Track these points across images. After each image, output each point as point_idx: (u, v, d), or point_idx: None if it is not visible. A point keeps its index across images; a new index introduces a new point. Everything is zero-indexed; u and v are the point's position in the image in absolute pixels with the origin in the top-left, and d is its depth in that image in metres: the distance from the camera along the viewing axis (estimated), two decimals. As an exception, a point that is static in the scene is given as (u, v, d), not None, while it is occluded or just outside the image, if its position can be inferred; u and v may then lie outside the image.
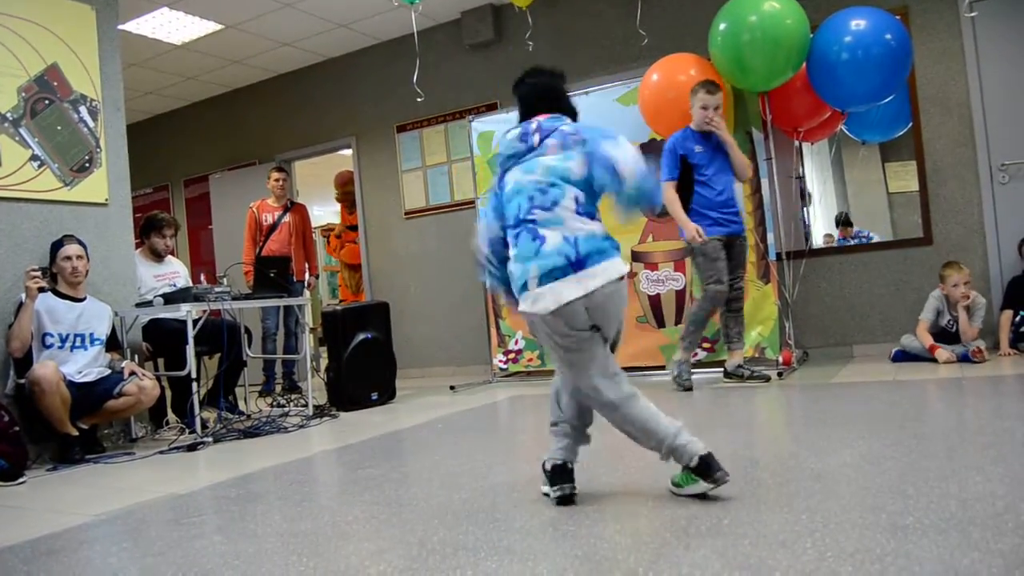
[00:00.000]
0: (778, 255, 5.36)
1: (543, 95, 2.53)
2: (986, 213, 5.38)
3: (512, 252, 2.35)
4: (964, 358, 4.77)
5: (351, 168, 8.03)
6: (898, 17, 4.96)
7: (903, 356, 5.11)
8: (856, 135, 5.83)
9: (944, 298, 5.03)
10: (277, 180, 6.79)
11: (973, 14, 4.99)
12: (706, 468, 2.20)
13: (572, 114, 2.53)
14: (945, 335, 4.98)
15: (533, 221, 2.29)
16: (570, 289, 2.22)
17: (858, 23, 4.74)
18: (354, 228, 8.14)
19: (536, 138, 2.38)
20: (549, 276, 2.23)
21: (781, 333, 5.28)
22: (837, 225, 6.25)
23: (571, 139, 2.37)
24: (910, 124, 5.60)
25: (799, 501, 2.17)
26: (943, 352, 4.84)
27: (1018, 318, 4.99)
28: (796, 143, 5.66)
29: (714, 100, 4.69)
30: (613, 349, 2.40)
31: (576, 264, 2.23)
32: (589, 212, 2.32)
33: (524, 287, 2.28)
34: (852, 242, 6.07)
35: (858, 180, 6.26)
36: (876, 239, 5.93)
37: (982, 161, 5.38)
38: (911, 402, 3.84)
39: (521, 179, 2.36)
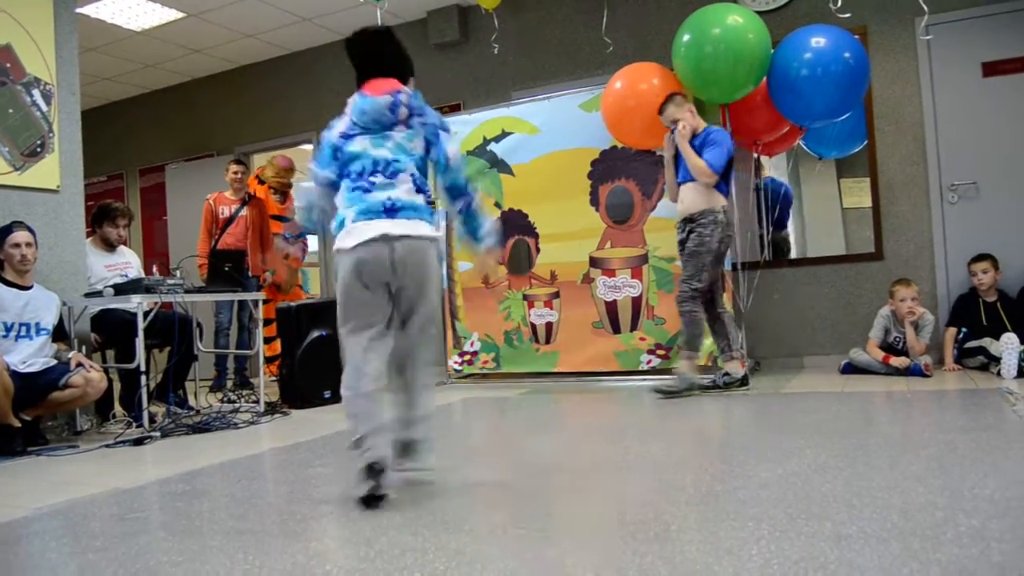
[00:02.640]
0: (734, 265, 5.43)
1: (391, 60, 2.76)
2: (935, 231, 5.51)
3: (340, 201, 2.61)
4: (915, 372, 4.87)
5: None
6: (857, 37, 5.06)
7: (851, 369, 5.21)
8: (813, 150, 5.94)
9: (892, 315, 5.14)
10: (235, 173, 6.70)
11: (928, 37, 5.11)
12: (367, 474, 2.42)
13: (411, 72, 2.81)
14: (893, 352, 5.09)
15: (371, 183, 2.57)
16: (378, 227, 2.49)
17: (818, 41, 4.82)
18: (282, 219, 7.36)
19: (403, 112, 2.63)
20: (364, 215, 2.52)
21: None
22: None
23: (417, 121, 2.66)
24: (865, 142, 5.72)
25: (747, 508, 2.20)
26: (897, 359, 4.96)
27: (961, 335, 5.12)
28: (755, 155, 5.74)
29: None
30: (404, 325, 2.66)
31: (388, 211, 2.52)
32: (421, 186, 2.62)
33: (341, 225, 2.55)
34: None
35: (814, 194, 6.37)
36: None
37: (933, 180, 5.52)
38: (858, 413, 3.91)
39: (369, 148, 2.60)
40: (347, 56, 2.79)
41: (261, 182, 7.39)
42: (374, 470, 2.40)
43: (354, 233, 2.50)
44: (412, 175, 2.60)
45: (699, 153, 4.68)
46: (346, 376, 2.64)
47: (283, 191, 7.45)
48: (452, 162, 2.68)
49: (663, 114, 4.85)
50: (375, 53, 2.76)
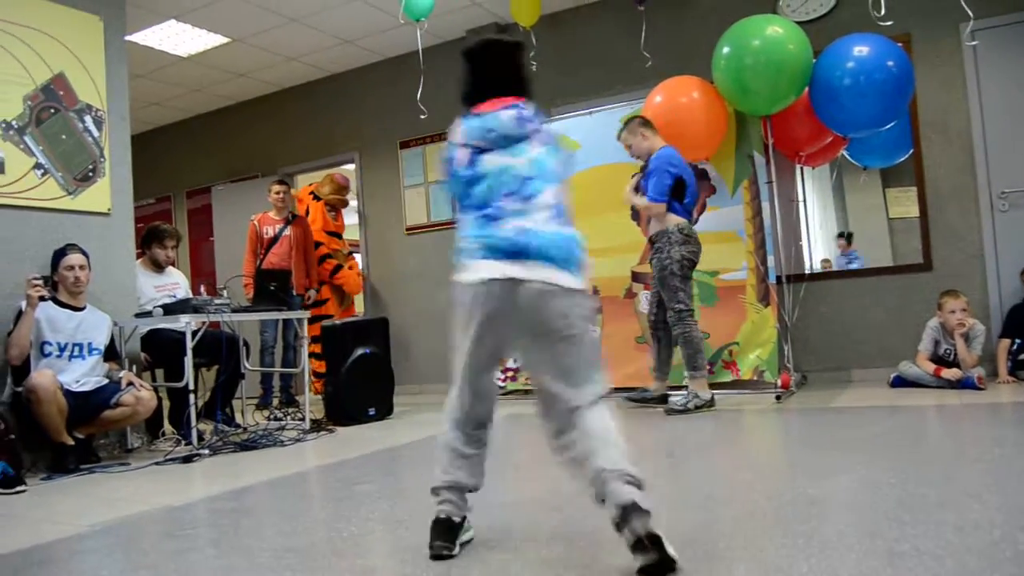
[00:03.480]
0: (778, 278, 5.36)
1: (519, 76, 2.33)
2: (986, 240, 5.39)
3: (466, 232, 2.14)
4: (967, 384, 4.76)
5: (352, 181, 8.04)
6: (900, 44, 4.99)
7: (901, 382, 5.10)
8: (857, 160, 5.86)
9: (941, 327, 5.03)
10: (278, 193, 6.80)
11: (975, 43, 5.02)
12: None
13: (529, 95, 2.33)
14: (944, 364, 4.97)
15: (500, 208, 2.10)
16: (500, 269, 2.02)
17: (860, 49, 4.77)
18: (336, 235, 7.72)
19: (531, 127, 2.19)
20: (490, 252, 2.05)
21: (780, 356, 5.28)
22: (839, 237, 6.30)
23: (550, 137, 2.23)
24: (911, 150, 5.63)
25: (796, 526, 2.16)
26: (949, 371, 4.85)
27: (1015, 346, 4.99)
28: (797, 167, 5.68)
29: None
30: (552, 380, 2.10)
31: (520, 252, 2.02)
32: (562, 214, 2.14)
33: (466, 257, 2.10)
34: (847, 259, 6.14)
35: (859, 205, 6.29)
36: (865, 264, 5.97)
37: (982, 188, 5.40)
38: (909, 428, 3.83)
39: (503, 163, 2.14)
40: (466, 67, 2.33)
41: (317, 198, 7.59)
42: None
43: (468, 273, 2.08)
44: (553, 196, 2.14)
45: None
46: None
47: (337, 207, 7.67)
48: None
49: (620, 139, 5.00)
50: (505, 67, 2.32)
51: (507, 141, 2.16)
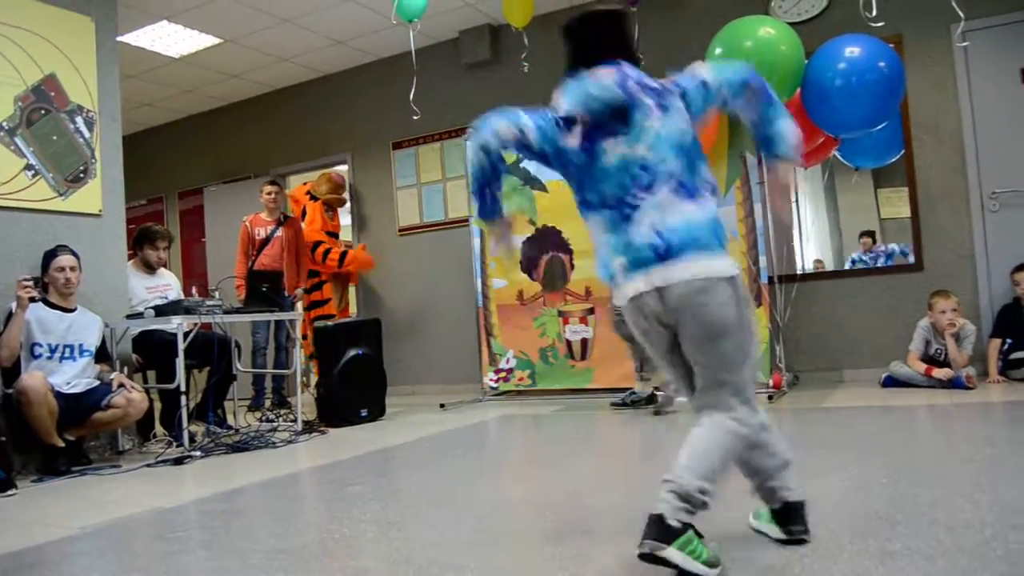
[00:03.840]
0: (770, 278, 5.37)
1: (615, 43, 2.17)
2: (976, 240, 5.41)
3: (603, 237, 2.04)
4: (957, 384, 4.78)
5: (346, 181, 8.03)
6: (892, 45, 5.00)
7: (892, 382, 5.12)
8: (849, 161, 5.86)
9: (931, 326, 5.05)
10: (269, 194, 6.77)
11: (965, 44, 5.04)
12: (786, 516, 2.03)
13: (635, 59, 2.17)
14: (935, 364, 4.99)
15: (632, 205, 1.97)
16: (644, 281, 1.94)
17: (852, 50, 4.77)
18: (334, 235, 7.61)
19: (634, 88, 2.01)
20: (635, 267, 1.96)
21: (772, 356, 5.29)
22: (863, 235, 6.30)
23: (667, 91, 2.06)
24: (903, 151, 5.64)
25: (788, 526, 2.16)
26: (940, 371, 4.87)
27: (1005, 346, 5.01)
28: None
29: None
30: (699, 375, 2.00)
31: (662, 256, 1.92)
32: (692, 188, 1.98)
33: (612, 278, 2.02)
34: (872, 257, 6.10)
35: (851, 206, 6.30)
36: (894, 260, 5.95)
37: (973, 189, 5.42)
38: (901, 428, 3.85)
39: (624, 153, 1.98)
40: (567, 46, 2.19)
41: (314, 199, 7.50)
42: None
43: (620, 292, 2.02)
44: (679, 172, 1.98)
45: None
46: None
47: (335, 207, 7.60)
48: (718, 83, 2.10)
49: None
50: (605, 35, 2.18)
51: (616, 117, 1.99)
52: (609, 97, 1.98)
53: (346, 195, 7.80)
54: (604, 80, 2.00)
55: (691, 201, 1.96)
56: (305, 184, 7.78)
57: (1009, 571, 1.66)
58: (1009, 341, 5.01)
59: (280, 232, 6.73)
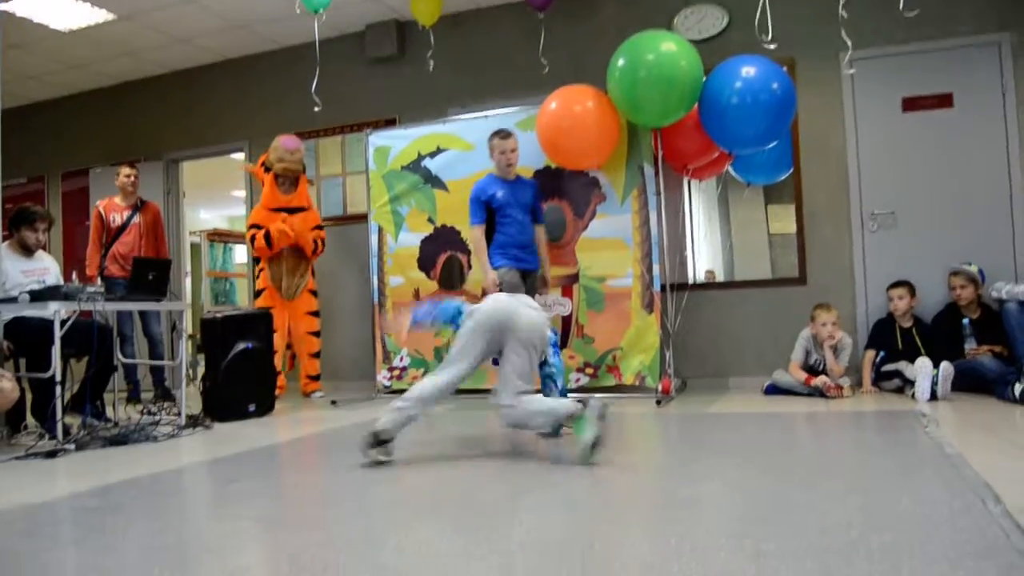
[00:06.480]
0: (662, 286, 5.51)
1: None
2: (856, 257, 5.70)
3: None
4: (815, 391, 5.08)
5: (242, 174, 7.77)
6: (785, 68, 5.22)
7: (774, 389, 5.34)
8: (742, 176, 6.08)
9: (812, 337, 5.29)
10: (128, 176, 6.45)
11: (852, 71, 5.29)
12: None
13: None
14: (814, 373, 5.22)
15: None
16: None
17: (748, 70, 4.95)
18: (290, 210, 6.34)
19: None
20: None
21: (662, 362, 5.42)
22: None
23: None
24: (791, 169, 5.89)
25: (670, 526, 2.22)
26: (818, 379, 5.10)
27: (879, 358, 5.30)
28: (685, 179, 5.85)
29: (509, 144, 5.23)
30: None
31: None
32: None
33: None
34: None
35: (742, 219, 6.53)
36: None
37: (855, 209, 5.71)
38: (779, 433, 4.00)
39: None
40: None
41: (267, 170, 6.40)
42: None
43: None
44: None
45: None
46: None
47: (291, 177, 6.36)
48: None
49: (510, 146, 5.29)
50: None
51: None
52: None
53: (300, 161, 6.44)
54: None
55: None
56: (264, 154, 6.59)
57: (871, 569, 1.75)
58: (882, 353, 5.30)
59: (137, 218, 6.44)
